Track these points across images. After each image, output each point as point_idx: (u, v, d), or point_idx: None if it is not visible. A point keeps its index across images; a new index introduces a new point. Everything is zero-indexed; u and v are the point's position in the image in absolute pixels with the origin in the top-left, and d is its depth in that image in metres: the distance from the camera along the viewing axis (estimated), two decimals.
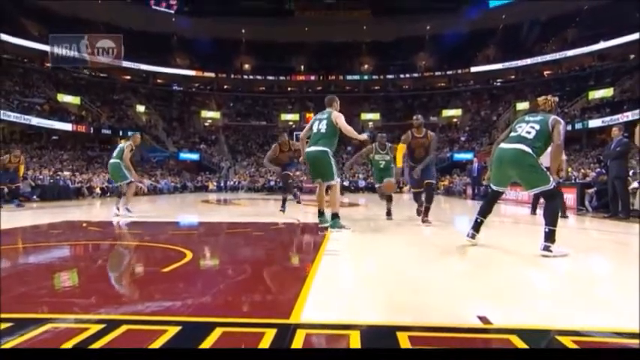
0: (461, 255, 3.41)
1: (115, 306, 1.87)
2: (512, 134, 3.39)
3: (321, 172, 4.77)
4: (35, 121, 26.53)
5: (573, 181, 10.59)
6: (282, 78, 40.91)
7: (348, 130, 4.70)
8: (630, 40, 28.87)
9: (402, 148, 5.60)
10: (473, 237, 3.59)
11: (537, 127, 3.27)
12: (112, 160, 7.05)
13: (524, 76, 36.73)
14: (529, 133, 3.28)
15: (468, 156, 27.39)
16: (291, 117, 38.58)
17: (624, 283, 2.53)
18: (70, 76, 33.40)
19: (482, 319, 1.65)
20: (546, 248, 3.11)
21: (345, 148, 31.36)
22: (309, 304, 1.85)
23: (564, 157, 7.10)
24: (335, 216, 4.65)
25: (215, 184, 27.94)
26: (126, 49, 33.34)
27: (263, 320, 1.63)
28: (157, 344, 1.35)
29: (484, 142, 31.16)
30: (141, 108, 36.15)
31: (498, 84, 38.53)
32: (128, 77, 37.69)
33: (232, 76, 40.71)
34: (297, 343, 1.38)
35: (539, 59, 34.83)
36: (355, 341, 1.39)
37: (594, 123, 26.39)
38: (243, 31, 38.53)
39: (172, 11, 37.24)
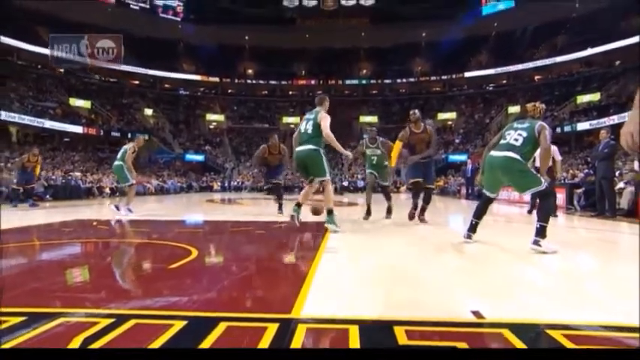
0: (455, 253, 3.41)
1: (124, 301, 1.88)
2: (502, 142, 3.44)
3: (312, 170, 4.50)
4: (48, 124, 26.65)
5: (562, 182, 10.59)
6: (283, 82, 40.90)
7: (329, 136, 4.37)
8: (615, 47, 29.00)
9: (397, 146, 5.27)
10: (469, 237, 3.63)
11: (524, 134, 3.34)
12: (115, 162, 7.08)
13: (516, 81, 36.75)
14: (517, 140, 3.34)
15: (462, 157, 27.38)
16: (292, 120, 38.51)
17: (610, 279, 2.53)
18: (81, 82, 33.51)
19: (476, 313, 1.65)
20: (536, 242, 3.14)
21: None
22: (309, 299, 1.85)
23: (559, 157, 7.07)
24: (330, 212, 4.45)
25: (219, 184, 27.94)
26: (134, 55, 33.59)
27: (265, 315, 1.64)
28: (164, 338, 1.35)
29: (478, 144, 31.13)
30: (149, 111, 36.21)
31: (491, 88, 38.55)
32: (136, 82, 37.74)
33: (236, 80, 40.77)
34: (298, 337, 1.38)
35: (529, 65, 34.86)
36: (354, 335, 1.39)
37: (582, 126, 26.50)
38: (246, 37, 38.52)
39: (179, 19, 37.22)
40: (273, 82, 40.84)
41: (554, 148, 6.77)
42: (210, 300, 1.89)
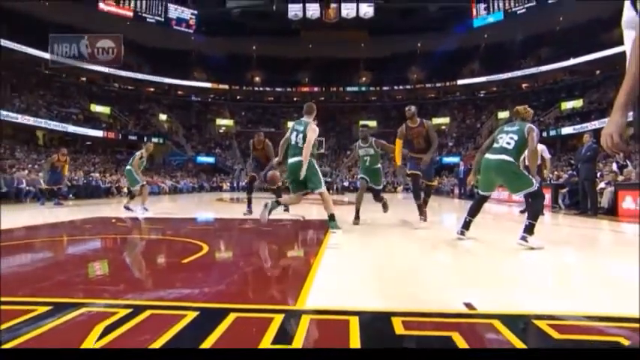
0: (449, 249, 3.40)
1: (141, 292, 1.88)
2: (496, 145, 3.45)
3: (308, 183, 4.26)
4: (71, 128, 26.88)
5: (548, 182, 10.54)
6: (288, 89, 40.87)
7: (308, 146, 4.09)
8: (597, 57, 28.87)
9: (398, 144, 4.93)
10: (462, 234, 3.61)
11: (515, 137, 3.35)
12: (126, 167, 7.16)
13: (505, 88, 36.59)
14: (509, 143, 3.35)
15: (455, 159, 27.28)
16: None
17: (592, 272, 2.52)
18: (102, 89, 33.64)
19: (468, 305, 1.64)
20: (523, 238, 3.15)
21: (345, 152, 31.31)
22: (312, 292, 1.85)
23: (548, 155, 7.02)
24: (331, 217, 4.23)
25: (228, 184, 27.95)
26: (150, 64, 33.63)
27: (272, 306, 1.64)
28: (177, 327, 1.35)
29: (469, 147, 31.13)
30: (163, 117, 36.31)
31: (482, 95, 38.41)
32: (152, 89, 37.81)
33: (244, 88, 40.78)
34: (303, 327, 1.38)
35: (517, 73, 34.70)
36: (354, 326, 1.39)
37: (566, 130, 26.54)
38: (254, 48, 38.56)
39: (191, 31, 37.25)
40: (278, 89, 40.84)
41: (543, 147, 6.75)
42: (221, 292, 1.89)
